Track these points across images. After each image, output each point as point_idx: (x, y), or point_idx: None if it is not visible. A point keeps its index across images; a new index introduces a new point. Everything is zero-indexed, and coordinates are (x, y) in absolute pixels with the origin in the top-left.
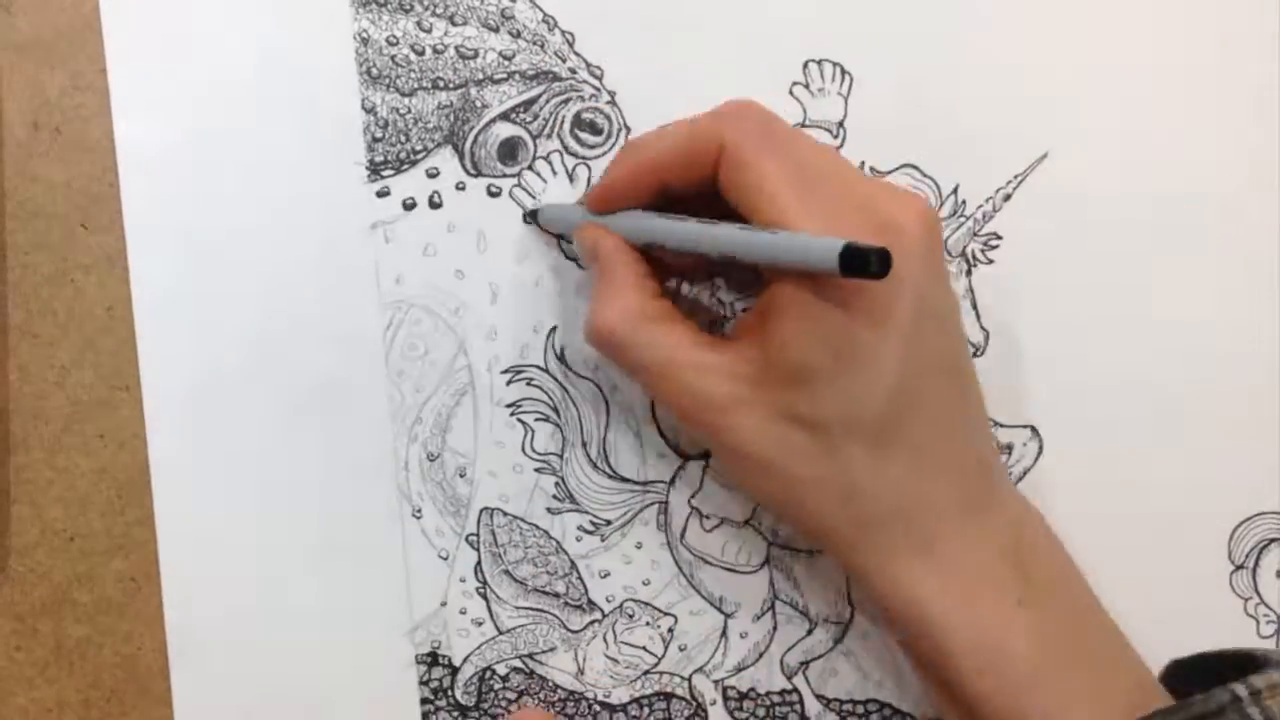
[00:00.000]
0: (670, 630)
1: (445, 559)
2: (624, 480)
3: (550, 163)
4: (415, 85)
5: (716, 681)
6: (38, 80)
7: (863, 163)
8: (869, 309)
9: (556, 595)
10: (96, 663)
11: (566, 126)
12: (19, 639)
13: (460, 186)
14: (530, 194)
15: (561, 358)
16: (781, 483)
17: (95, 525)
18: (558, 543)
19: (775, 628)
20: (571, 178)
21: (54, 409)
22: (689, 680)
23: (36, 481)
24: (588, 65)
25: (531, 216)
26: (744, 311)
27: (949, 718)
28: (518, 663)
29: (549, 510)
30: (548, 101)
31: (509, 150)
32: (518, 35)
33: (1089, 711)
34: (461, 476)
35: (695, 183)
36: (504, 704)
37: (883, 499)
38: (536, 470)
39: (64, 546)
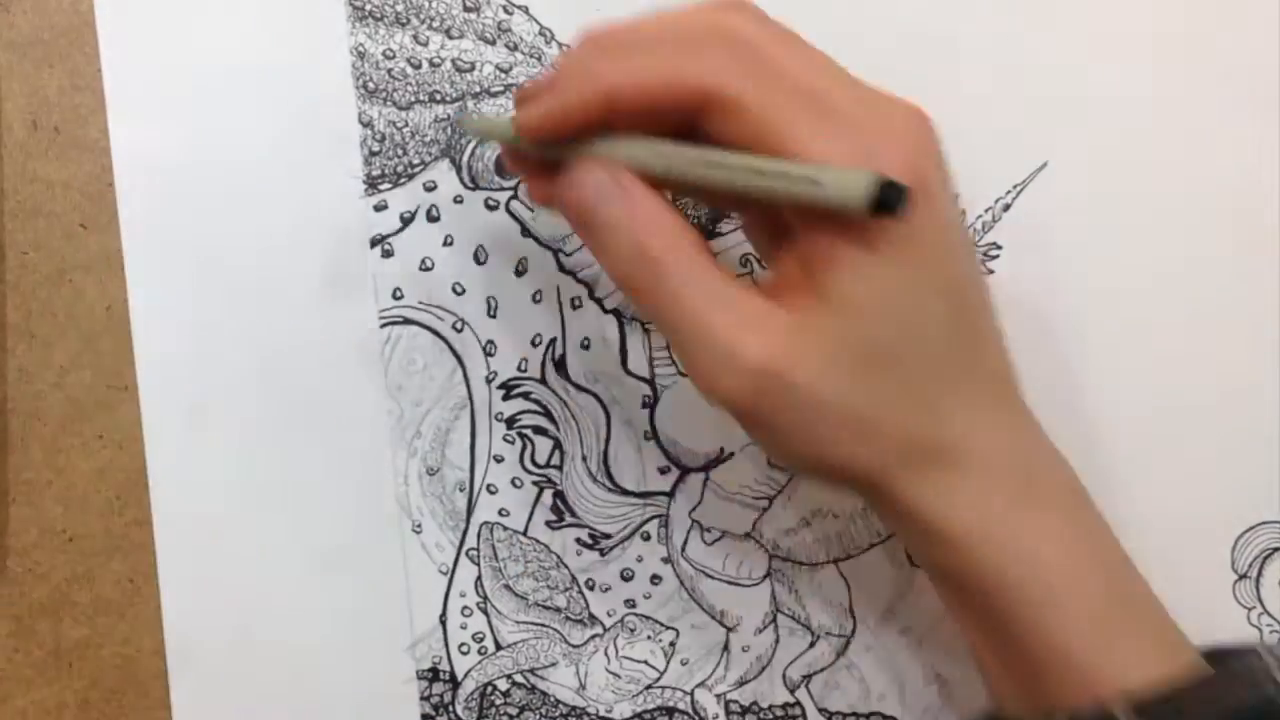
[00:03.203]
0: (672, 644)
1: (445, 574)
2: (624, 493)
3: None
4: (412, 99)
5: (719, 696)
6: (36, 80)
7: None
8: (921, 234)
9: (557, 610)
10: (95, 664)
11: None
12: (18, 640)
13: (458, 200)
14: (528, 207)
15: (561, 370)
16: (849, 432)
17: (94, 526)
18: (558, 557)
19: (777, 641)
20: None
21: (53, 409)
22: (691, 695)
23: (35, 482)
24: None
25: (455, 125)
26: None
27: (982, 655)
28: (519, 678)
29: (549, 524)
30: None
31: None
32: (515, 48)
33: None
34: (461, 490)
35: (666, 127)
36: (505, 719)
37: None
38: (536, 484)
39: (63, 547)
